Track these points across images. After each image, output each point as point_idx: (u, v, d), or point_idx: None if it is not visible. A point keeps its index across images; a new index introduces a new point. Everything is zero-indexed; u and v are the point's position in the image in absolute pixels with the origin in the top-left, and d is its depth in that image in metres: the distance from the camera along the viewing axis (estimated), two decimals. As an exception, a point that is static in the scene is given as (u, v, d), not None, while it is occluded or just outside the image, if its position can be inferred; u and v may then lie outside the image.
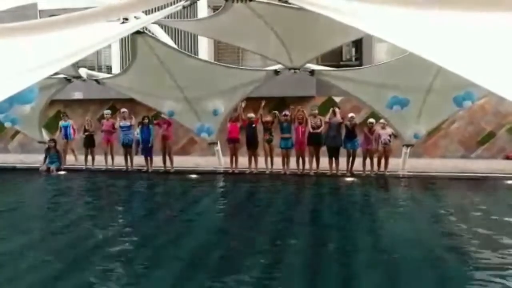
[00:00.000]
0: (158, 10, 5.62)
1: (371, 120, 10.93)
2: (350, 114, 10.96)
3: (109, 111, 12.69)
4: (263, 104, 10.98)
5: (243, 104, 11.02)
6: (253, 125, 11.12)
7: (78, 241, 5.61)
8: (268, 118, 11.15)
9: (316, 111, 11.02)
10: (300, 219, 6.79)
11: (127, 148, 11.89)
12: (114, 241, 5.56)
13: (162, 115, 11.58)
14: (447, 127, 13.89)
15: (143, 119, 11.79)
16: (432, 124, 10.89)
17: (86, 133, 12.34)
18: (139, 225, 6.54)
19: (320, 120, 10.86)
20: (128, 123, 11.86)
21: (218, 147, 12.13)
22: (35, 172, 11.80)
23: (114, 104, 15.91)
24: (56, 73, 10.36)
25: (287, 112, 10.96)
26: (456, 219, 6.78)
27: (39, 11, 14.77)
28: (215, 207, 8.03)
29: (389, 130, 10.69)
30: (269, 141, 11.09)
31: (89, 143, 12.29)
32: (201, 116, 11.18)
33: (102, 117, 13.21)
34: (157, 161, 11.78)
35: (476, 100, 9.62)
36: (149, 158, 11.79)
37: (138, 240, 5.61)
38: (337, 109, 11.16)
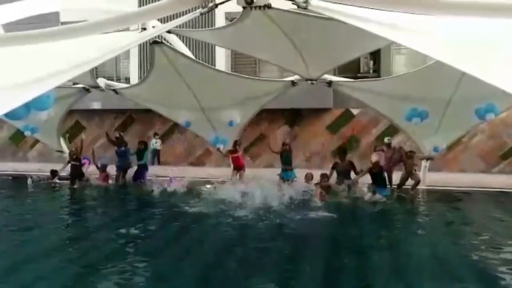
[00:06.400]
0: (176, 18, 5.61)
1: (388, 138, 10.78)
2: (374, 158, 9.69)
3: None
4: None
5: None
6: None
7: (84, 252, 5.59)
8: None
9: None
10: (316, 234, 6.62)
11: (124, 171, 11.54)
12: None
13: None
14: (467, 141, 13.56)
15: (139, 143, 11.77)
16: (452, 137, 10.60)
17: (72, 162, 11.08)
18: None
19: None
20: (123, 148, 11.58)
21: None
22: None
23: (131, 114, 16.09)
24: (75, 83, 10.51)
25: (286, 141, 10.99)
26: (484, 236, 6.51)
27: (61, 23, 15.09)
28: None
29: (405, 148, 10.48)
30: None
31: (76, 175, 10.97)
32: (217, 127, 11.16)
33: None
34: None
35: (499, 113, 9.31)
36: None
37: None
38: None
